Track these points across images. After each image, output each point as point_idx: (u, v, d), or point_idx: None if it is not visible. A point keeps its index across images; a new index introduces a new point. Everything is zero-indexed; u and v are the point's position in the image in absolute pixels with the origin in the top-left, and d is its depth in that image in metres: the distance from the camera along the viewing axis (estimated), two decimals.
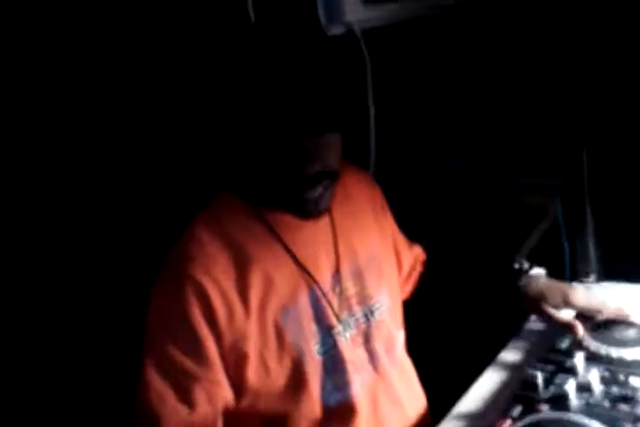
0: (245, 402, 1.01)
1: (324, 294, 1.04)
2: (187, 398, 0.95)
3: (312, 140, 0.92)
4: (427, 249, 1.40)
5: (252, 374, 0.99)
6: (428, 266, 1.36)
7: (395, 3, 1.59)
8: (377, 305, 1.12)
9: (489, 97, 1.96)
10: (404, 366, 1.19)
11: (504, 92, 1.92)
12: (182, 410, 0.94)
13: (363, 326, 1.10)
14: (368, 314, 1.11)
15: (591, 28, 1.60)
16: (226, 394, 0.98)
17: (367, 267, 1.12)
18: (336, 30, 1.48)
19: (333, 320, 1.05)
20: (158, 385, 0.95)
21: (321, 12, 1.46)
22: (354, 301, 1.09)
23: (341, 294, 1.07)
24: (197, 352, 0.95)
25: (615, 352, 1.07)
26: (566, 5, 1.69)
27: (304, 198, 0.97)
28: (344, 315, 1.07)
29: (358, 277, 1.10)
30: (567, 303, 1.16)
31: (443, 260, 1.39)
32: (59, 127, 1.29)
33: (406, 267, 1.30)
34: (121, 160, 1.37)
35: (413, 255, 1.34)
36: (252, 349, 0.98)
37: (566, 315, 1.18)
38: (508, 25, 1.89)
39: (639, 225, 1.61)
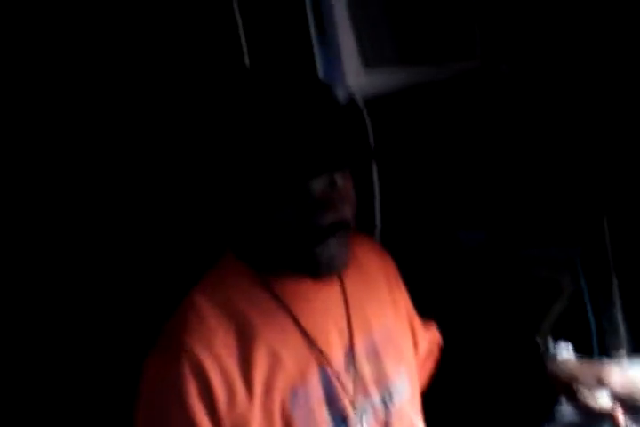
0: None
1: (337, 376, 0.91)
2: None
3: (323, 187, 0.83)
4: (439, 328, 1.28)
5: None
6: (443, 347, 1.24)
7: (398, 66, 1.57)
8: (396, 389, 0.99)
9: (499, 165, 1.91)
10: None
11: (515, 160, 1.86)
12: None
13: (381, 416, 0.96)
14: (387, 400, 0.97)
15: (600, 90, 1.56)
16: None
17: (383, 344, 0.99)
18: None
19: (348, 407, 0.91)
20: None
21: (321, 77, 1.43)
22: (370, 383, 0.95)
23: (356, 376, 0.93)
24: None
25: None
26: (573, 70, 1.66)
27: (317, 254, 0.85)
28: (359, 400, 0.93)
29: (374, 355, 0.97)
30: (602, 383, 1.05)
31: (457, 340, 1.27)
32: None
33: (422, 349, 1.16)
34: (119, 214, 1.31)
35: (430, 336, 1.20)
36: None
37: (603, 400, 1.05)
38: (513, 91, 1.87)
39: None
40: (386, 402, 0.97)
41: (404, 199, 1.85)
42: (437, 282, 1.84)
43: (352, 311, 0.97)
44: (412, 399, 1.03)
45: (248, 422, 0.84)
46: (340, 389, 0.91)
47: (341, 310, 0.96)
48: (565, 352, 1.12)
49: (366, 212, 1.52)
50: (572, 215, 1.66)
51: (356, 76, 1.44)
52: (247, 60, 1.41)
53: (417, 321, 1.16)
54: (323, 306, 0.94)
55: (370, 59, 1.49)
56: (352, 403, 0.92)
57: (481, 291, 1.87)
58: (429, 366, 1.19)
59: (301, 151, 0.81)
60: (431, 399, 1.11)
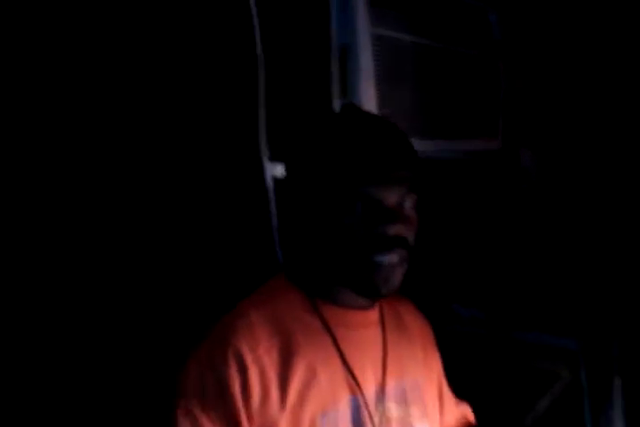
0: None
1: (366, 408, 0.94)
2: None
3: (394, 202, 0.90)
4: None
5: None
6: None
7: (417, 138, 1.57)
8: None
9: (505, 245, 1.91)
10: None
11: (522, 242, 1.86)
12: None
13: None
14: None
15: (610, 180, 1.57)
16: None
17: (412, 394, 1.02)
18: None
19: None
20: None
21: None
22: (394, 425, 0.97)
23: (383, 414, 0.96)
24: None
25: None
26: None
27: (377, 263, 0.89)
28: None
29: (403, 401, 1.00)
30: None
31: None
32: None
33: (450, 419, 1.15)
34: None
35: (459, 413, 1.19)
36: None
37: None
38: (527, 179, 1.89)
39: None
40: None
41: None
42: None
43: (388, 354, 0.99)
44: None
45: (279, 422, 0.86)
46: (367, 421, 0.93)
47: (379, 350, 0.99)
48: None
49: None
50: (579, 304, 1.63)
51: None
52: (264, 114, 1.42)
53: (447, 393, 1.16)
54: (364, 340, 0.97)
55: None
56: None
57: (470, 370, 1.82)
58: None
59: (373, 155, 0.89)
60: None
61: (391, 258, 0.89)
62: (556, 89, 1.85)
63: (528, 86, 1.91)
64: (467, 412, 1.21)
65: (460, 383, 1.75)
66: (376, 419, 0.94)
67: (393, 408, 0.97)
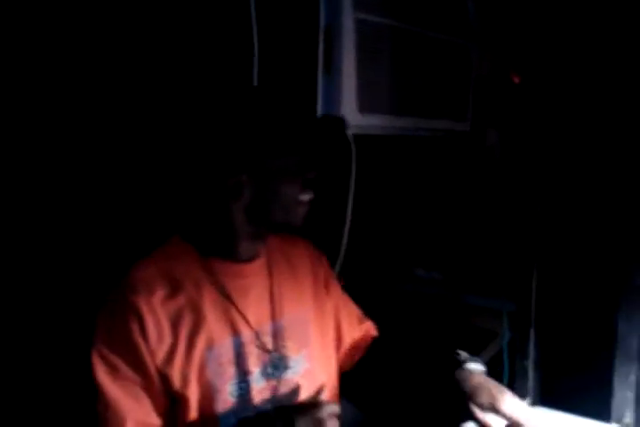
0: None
1: (246, 345, 1.14)
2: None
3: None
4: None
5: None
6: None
7: (390, 115, 1.73)
8: (291, 365, 1.19)
9: (455, 215, 2.08)
10: None
11: (470, 212, 2.03)
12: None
13: (273, 382, 1.17)
14: (282, 371, 1.18)
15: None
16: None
17: (291, 329, 1.21)
18: None
19: (249, 369, 1.14)
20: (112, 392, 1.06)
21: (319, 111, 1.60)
22: (268, 357, 1.17)
23: (260, 348, 1.16)
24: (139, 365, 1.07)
25: None
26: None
27: None
28: (259, 367, 1.16)
29: (280, 336, 1.19)
30: (493, 407, 1.10)
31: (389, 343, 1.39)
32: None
33: (348, 340, 1.34)
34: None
35: (362, 330, 1.38)
36: (176, 371, 1.08)
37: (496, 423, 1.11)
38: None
39: (579, 356, 1.65)
40: (280, 373, 1.18)
41: (370, 232, 2.02)
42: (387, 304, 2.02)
43: (275, 297, 1.20)
44: (310, 376, 1.22)
45: (173, 358, 1.07)
46: (247, 354, 1.14)
47: (266, 294, 1.20)
48: (474, 365, 1.17)
49: (334, 237, 1.67)
50: (509, 268, 1.82)
51: (349, 117, 1.61)
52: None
53: (347, 316, 1.35)
54: (250, 287, 1.18)
55: (365, 105, 1.67)
56: (254, 367, 1.14)
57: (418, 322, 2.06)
58: (357, 355, 1.36)
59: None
60: (357, 380, 1.33)
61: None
62: (525, 75, 1.99)
63: (498, 72, 2.05)
64: (369, 328, 1.39)
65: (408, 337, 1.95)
66: (255, 353, 1.15)
67: (269, 343, 1.17)
